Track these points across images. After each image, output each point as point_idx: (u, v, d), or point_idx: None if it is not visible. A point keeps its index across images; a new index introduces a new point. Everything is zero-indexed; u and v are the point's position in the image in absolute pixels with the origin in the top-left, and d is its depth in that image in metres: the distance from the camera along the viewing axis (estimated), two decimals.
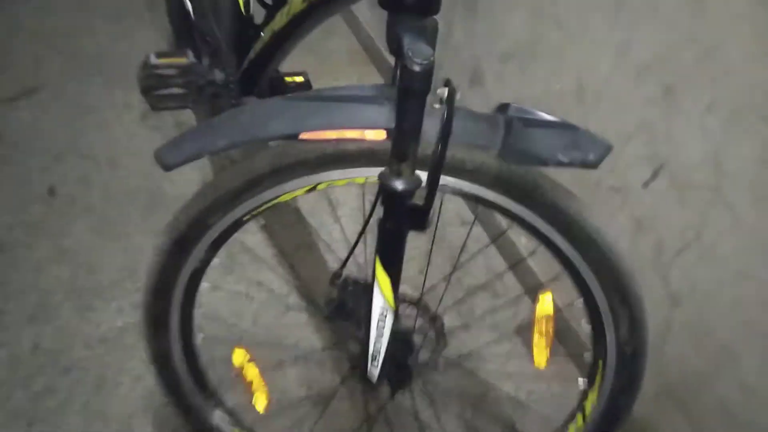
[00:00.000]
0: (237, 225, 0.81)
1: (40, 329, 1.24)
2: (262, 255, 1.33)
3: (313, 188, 0.77)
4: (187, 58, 1.01)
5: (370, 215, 0.84)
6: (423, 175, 0.68)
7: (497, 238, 1.00)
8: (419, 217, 0.69)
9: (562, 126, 0.70)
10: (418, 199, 0.70)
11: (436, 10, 0.63)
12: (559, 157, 0.68)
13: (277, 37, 0.99)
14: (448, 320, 0.93)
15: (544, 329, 0.86)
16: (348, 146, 0.71)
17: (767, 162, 0.83)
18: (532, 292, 1.25)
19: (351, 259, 0.92)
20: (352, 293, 0.93)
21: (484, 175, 0.72)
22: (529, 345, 0.90)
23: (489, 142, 0.69)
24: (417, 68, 0.59)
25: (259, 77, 1.16)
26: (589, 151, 0.69)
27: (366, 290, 0.82)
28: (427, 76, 0.60)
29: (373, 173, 0.74)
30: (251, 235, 1.39)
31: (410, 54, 0.59)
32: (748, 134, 0.85)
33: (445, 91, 0.67)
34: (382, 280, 0.74)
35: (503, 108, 0.73)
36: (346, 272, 0.92)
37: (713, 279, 0.97)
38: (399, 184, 0.66)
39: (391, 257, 0.73)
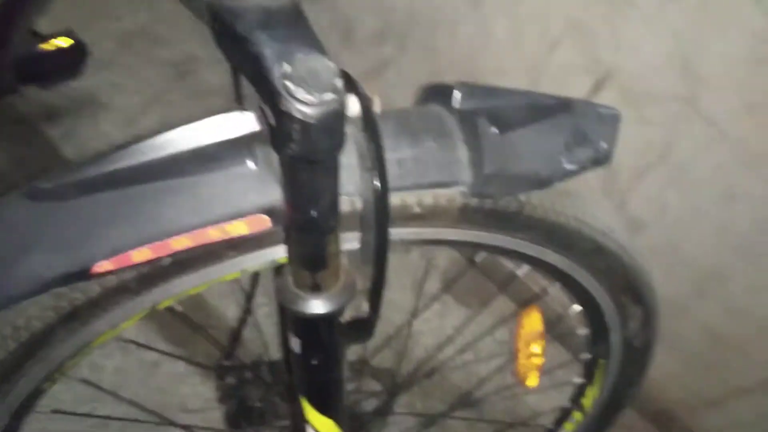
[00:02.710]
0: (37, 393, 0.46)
1: None
2: None
3: (151, 311, 0.43)
4: None
5: (249, 304, 0.54)
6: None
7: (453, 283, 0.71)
8: (362, 329, 0.40)
9: (553, 107, 0.41)
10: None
11: None
12: (565, 165, 0.41)
13: None
14: None
15: (531, 349, 0.66)
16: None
17: (760, 59, 0.62)
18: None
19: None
20: (254, 385, 0.63)
21: (446, 215, 0.43)
22: (514, 370, 0.70)
23: (452, 174, 0.39)
24: (313, 113, 0.26)
25: None
26: (598, 136, 0.42)
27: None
28: (336, 120, 0.28)
29: (251, 263, 0.41)
30: None
31: (290, 86, 0.26)
32: (728, 24, 0.62)
33: (356, 104, 0.34)
34: (321, 424, 0.44)
35: (442, 94, 0.42)
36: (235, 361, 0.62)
37: (689, 204, 0.79)
38: (326, 305, 0.35)
39: (327, 397, 0.43)
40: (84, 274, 0.33)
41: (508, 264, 0.55)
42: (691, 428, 1.03)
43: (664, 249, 0.85)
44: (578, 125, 0.41)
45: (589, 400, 0.74)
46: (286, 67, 0.27)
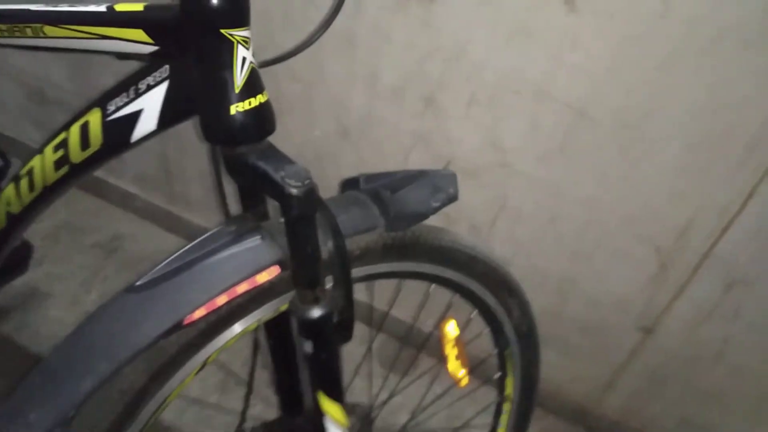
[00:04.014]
0: None
1: None
2: None
3: (203, 366, 0.64)
4: None
5: (255, 359, 0.75)
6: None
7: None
8: (346, 328, 0.64)
9: (416, 175, 0.70)
10: None
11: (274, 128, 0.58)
12: (433, 205, 0.69)
13: (15, 220, 0.79)
14: None
15: (457, 352, 0.89)
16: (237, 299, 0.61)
17: (536, 128, 0.97)
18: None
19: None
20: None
21: (375, 253, 0.69)
22: (447, 373, 0.93)
23: (373, 222, 0.66)
24: (301, 192, 0.53)
25: None
26: (447, 186, 0.72)
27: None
28: (313, 193, 0.54)
29: (264, 313, 0.65)
30: None
31: (288, 181, 0.53)
32: (510, 112, 0.98)
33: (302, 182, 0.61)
34: (333, 410, 0.66)
35: (353, 183, 0.71)
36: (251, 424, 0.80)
37: (530, 233, 1.11)
38: (323, 309, 0.59)
39: (335, 383, 0.65)
40: (179, 326, 0.55)
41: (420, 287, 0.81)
42: (603, 413, 1.29)
43: (529, 273, 1.16)
44: (434, 182, 0.70)
45: (510, 389, 0.98)
46: (282, 173, 0.53)
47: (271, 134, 0.57)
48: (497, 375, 0.97)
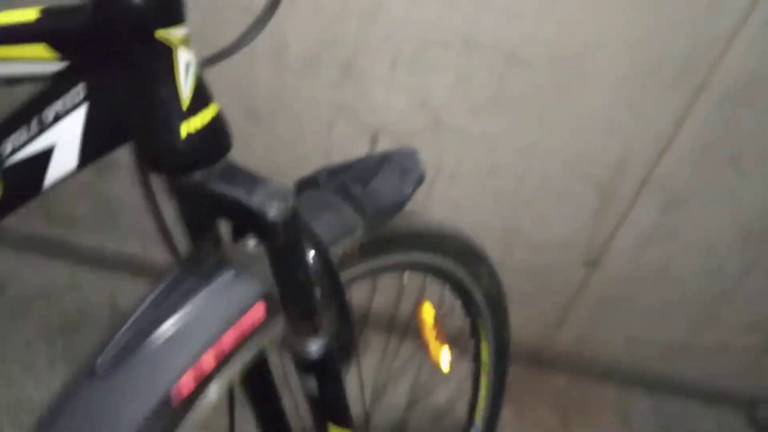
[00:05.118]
0: None
1: None
2: None
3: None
4: None
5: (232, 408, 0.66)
6: None
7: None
8: (348, 350, 0.56)
9: (380, 161, 0.63)
10: None
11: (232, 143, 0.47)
12: (406, 191, 0.62)
13: None
14: None
15: (436, 335, 0.85)
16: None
17: (466, 80, 0.92)
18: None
19: None
20: None
21: (352, 256, 0.61)
22: (429, 358, 0.88)
23: (351, 225, 0.58)
24: (286, 216, 0.44)
25: None
26: (413, 166, 0.65)
27: None
28: (298, 216, 0.45)
29: (247, 356, 0.55)
30: None
31: (267, 205, 0.43)
32: (437, 67, 0.92)
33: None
34: None
35: (312, 182, 0.62)
36: None
37: (469, 191, 1.07)
38: (323, 338, 0.51)
39: (344, 410, 0.58)
40: (168, 402, 0.45)
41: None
42: (557, 349, 1.32)
43: (470, 231, 1.13)
44: (400, 165, 0.63)
45: (485, 354, 0.96)
46: (258, 197, 0.43)
47: (230, 151, 0.47)
48: (472, 344, 0.95)
